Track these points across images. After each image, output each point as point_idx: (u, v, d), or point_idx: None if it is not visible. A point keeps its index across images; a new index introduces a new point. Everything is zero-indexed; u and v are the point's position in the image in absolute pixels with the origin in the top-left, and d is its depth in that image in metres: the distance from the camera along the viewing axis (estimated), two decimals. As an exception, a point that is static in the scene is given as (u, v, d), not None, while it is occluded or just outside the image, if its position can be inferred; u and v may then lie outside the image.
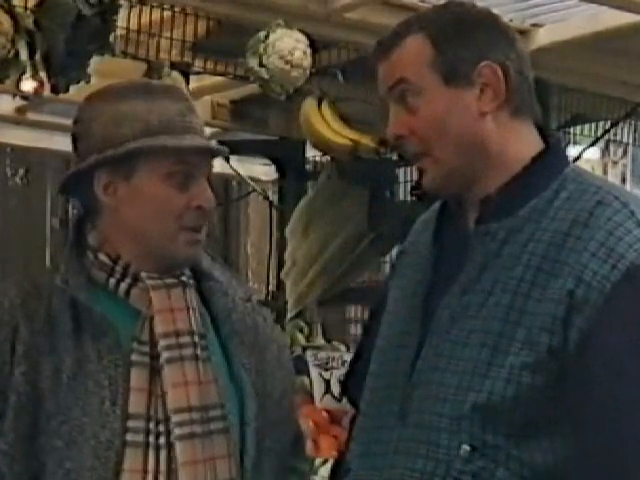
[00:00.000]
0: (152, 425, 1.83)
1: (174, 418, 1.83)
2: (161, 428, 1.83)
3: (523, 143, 1.69)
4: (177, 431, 1.83)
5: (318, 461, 3.33)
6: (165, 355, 1.85)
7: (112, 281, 1.90)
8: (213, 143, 2.04)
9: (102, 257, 1.91)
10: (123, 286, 1.89)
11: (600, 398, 1.52)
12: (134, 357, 1.85)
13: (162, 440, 1.83)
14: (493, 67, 1.65)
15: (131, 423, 1.82)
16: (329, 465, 3.08)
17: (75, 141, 1.95)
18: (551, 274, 1.56)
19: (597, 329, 1.52)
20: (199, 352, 1.88)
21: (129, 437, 1.81)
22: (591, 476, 1.52)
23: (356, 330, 5.36)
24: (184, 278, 1.93)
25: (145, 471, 1.82)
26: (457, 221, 1.72)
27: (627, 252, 1.53)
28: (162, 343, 1.86)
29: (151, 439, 1.83)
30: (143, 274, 1.90)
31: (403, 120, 1.67)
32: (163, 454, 1.83)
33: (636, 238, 1.55)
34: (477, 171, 1.67)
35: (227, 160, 4.65)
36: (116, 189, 1.89)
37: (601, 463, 1.52)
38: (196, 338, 1.89)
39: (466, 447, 1.55)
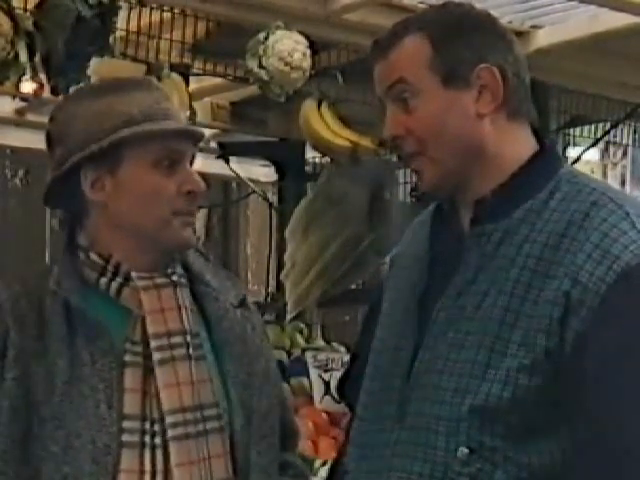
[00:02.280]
0: (147, 425, 1.83)
1: (168, 419, 1.82)
2: (156, 428, 1.83)
3: (520, 145, 1.69)
4: (170, 432, 1.82)
5: (318, 462, 3.33)
6: (157, 356, 1.85)
7: (103, 280, 1.89)
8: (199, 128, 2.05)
9: (93, 256, 1.90)
10: (114, 285, 1.88)
11: (597, 399, 1.52)
12: (127, 358, 1.84)
13: (158, 440, 1.82)
14: (491, 69, 1.64)
15: (126, 424, 1.81)
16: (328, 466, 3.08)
17: (50, 141, 1.94)
18: (547, 276, 1.56)
19: (593, 330, 1.52)
20: (191, 351, 1.88)
21: (125, 438, 1.81)
22: (589, 477, 1.53)
23: (356, 331, 5.36)
24: (175, 277, 1.93)
25: (142, 472, 1.81)
26: (452, 222, 1.72)
27: (622, 253, 1.53)
28: (153, 344, 1.85)
29: (147, 439, 1.82)
30: (134, 274, 1.89)
31: (400, 120, 1.67)
32: (159, 454, 1.82)
33: (631, 239, 1.55)
34: (473, 172, 1.67)
35: (227, 162, 4.65)
36: (104, 185, 1.88)
37: (599, 463, 1.51)
38: (188, 337, 1.88)
39: (464, 449, 1.55)
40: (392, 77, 1.67)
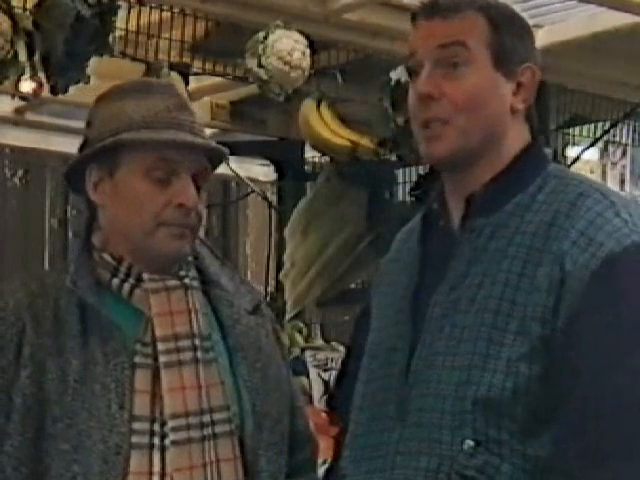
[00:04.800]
0: (156, 427, 1.83)
1: (169, 423, 1.82)
2: (166, 430, 1.83)
3: (520, 146, 1.71)
4: (171, 436, 1.82)
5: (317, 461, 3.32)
6: (162, 359, 1.85)
7: (115, 281, 1.89)
8: (206, 141, 1.98)
9: (106, 257, 1.91)
10: (126, 286, 1.89)
11: (581, 385, 1.53)
12: (137, 359, 1.85)
13: (167, 442, 1.82)
14: (535, 71, 1.69)
15: (136, 425, 1.81)
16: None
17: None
18: (537, 264, 1.58)
19: (578, 316, 1.54)
20: (200, 355, 1.87)
21: (134, 439, 1.81)
22: (578, 462, 1.53)
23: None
24: (187, 280, 1.92)
25: (151, 473, 1.81)
26: (441, 223, 1.73)
27: (606, 240, 1.56)
28: (160, 347, 1.85)
29: (156, 441, 1.82)
30: (145, 275, 1.89)
31: (438, 82, 1.67)
32: (168, 456, 1.82)
33: (615, 227, 1.57)
34: (482, 159, 1.68)
35: (226, 161, 4.64)
36: (104, 187, 1.90)
37: (584, 446, 1.52)
38: (197, 341, 1.88)
39: (470, 442, 1.56)
40: (452, 37, 1.67)
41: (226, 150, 1.99)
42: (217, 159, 1.98)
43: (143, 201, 1.87)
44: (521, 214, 1.63)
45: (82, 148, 1.96)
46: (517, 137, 1.70)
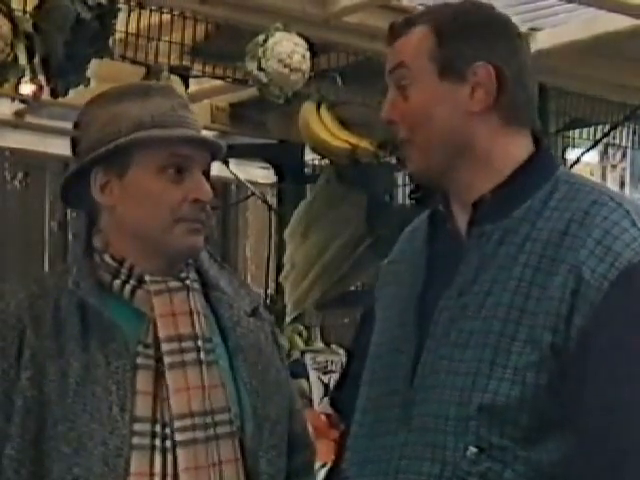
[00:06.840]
0: (158, 428, 1.83)
1: (176, 424, 1.82)
2: (167, 431, 1.83)
3: (514, 147, 1.69)
4: (178, 437, 1.82)
5: (317, 465, 3.32)
6: (167, 360, 1.85)
7: (117, 282, 1.90)
8: (214, 138, 2.03)
9: (108, 259, 1.91)
10: (128, 288, 1.90)
11: (596, 396, 1.53)
12: (139, 360, 1.85)
13: (168, 443, 1.83)
14: (488, 68, 1.66)
15: (137, 426, 1.82)
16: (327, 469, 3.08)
17: (74, 145, 1.96)
18: (550, 273, 1.57)
19: (594, 327, 1.53)
20: (203, 356, 1.88)
21: (135, 440, 1.81)
22: (588, 475, 1.53)
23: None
24: (188, 282, 1.93)
25: (152, 474, 1.81)
26: (447, 226, 1.72)
27: (624, 251, 1.55)
28: (165, 348, 1.86)
29: (157, 442, 1.82)
30: (147, 277, 1.90)
31: (396, 105, 1.70)
32: (170, 457, 1.82)
33: (632, 237, 1.57)
34: (461, 168, 1.68)
35: (226, 164, 4.65)
36: (112, 189, 1.90)
37: (598, 461, 1.52)
38: (200, 342, 1.88)
39: (473, 448, 1.55)
40: (394, 61, 1.70)
41: (218, 143, 2.02)
42: (214, 158, 1.99)
43: (159, 198, 1.88)
44: (532, 220, 1.62)
45: (75, 151, 1.96)
46: (495, 134, 1.67)
